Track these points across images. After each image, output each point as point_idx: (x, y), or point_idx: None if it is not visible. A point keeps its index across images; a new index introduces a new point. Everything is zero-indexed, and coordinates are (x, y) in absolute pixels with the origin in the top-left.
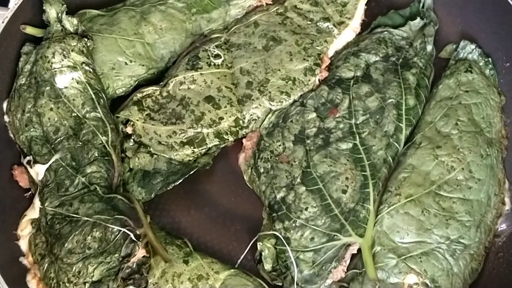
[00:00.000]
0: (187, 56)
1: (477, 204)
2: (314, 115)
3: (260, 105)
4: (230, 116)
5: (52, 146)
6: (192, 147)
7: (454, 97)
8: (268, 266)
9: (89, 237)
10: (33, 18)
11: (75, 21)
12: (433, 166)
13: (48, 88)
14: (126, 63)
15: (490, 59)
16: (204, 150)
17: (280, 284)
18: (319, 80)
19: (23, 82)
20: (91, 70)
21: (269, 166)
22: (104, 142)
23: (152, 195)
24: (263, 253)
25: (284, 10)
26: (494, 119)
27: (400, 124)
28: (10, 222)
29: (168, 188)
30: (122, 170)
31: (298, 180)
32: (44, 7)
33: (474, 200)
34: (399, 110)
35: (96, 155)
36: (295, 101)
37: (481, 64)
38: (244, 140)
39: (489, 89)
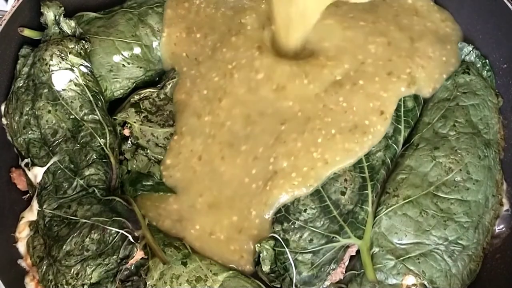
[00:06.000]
0: None
1: (475, 205)
2: None
3: None
4: None
5: (50, 148)
6: None
7: (452, 99)
8: (266, 267)
9: (87, 239)
10: (30, 21)
11: (72, 23)
12: (431, 168)
13: (46, 90)
14: (123, 65)
15: (487, 60)
16: None
17: (278, 286)
18: None
19: (21, 84)
20: (89, 72)
21: None
22: (102, 144)
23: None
24: (261, 255)
25: None
26: (491, 121)
27: (399, 126)
28: (8, 225)
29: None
30: (120, 172)
31: None
32: (42, 10)
33: (472, 201)
34: (397, 111)
35: (94, 157)
36: None
37: (478, 65)
38: None
39: (486, 91)
